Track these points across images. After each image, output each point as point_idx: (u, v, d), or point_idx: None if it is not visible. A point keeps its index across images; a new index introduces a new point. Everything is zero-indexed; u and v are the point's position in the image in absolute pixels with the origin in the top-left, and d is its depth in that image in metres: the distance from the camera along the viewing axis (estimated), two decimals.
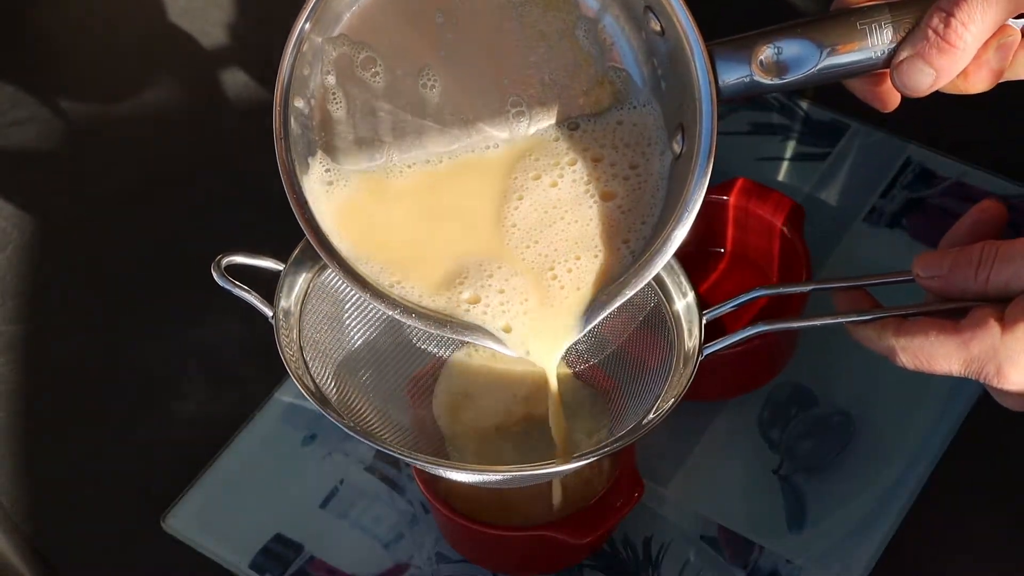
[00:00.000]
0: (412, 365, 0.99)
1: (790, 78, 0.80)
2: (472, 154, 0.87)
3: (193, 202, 1.26)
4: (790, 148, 1.22)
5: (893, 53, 0.79)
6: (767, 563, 1.02)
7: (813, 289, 0.91)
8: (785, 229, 1.09)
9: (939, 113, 1.17)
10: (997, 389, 0.81)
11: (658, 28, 0.82)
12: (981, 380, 0.80)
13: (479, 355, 0.99)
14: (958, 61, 0.78)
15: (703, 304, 0.90)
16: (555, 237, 0.86)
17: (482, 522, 0.98)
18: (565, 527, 0.97)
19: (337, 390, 0.91)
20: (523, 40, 0.85)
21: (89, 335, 1.19)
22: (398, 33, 0.84)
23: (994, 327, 0.78)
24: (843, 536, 1.03)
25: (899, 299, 0.84)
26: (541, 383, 0.90)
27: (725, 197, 1.11)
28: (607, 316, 0.92)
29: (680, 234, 0.82)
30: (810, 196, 1.19)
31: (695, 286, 0.91)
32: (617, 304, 0.85)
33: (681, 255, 0.89)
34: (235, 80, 1.33)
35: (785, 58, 0.80)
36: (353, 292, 0.92)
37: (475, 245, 0.87)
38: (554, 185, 0.87)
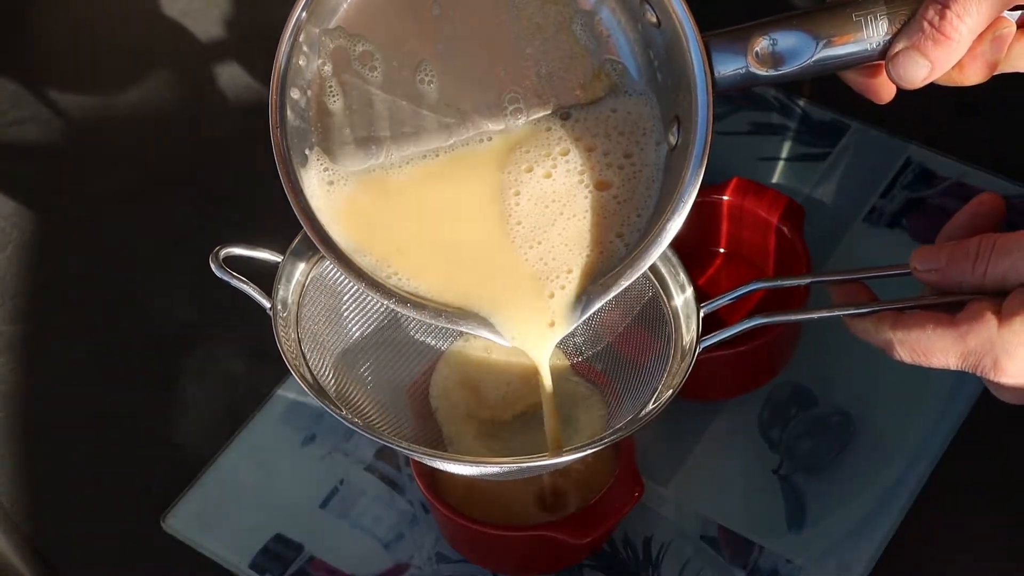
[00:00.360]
0: (410, 358, 0.99)
1: (786, 70, 0.80)
2: (468, 147, 0.87)
3: (193, 201, 1.26)
4: (790, 148, 1.23)
5: (888, 45, 0.79)
6: (767, 563, 1.02)
7: (811, 282, 0.90)
8: (784, 228, 1.09)
9: (939, 113, 1.18)
10: (994, 382, 0.81)
11: (654, 20, 0.82)
12: (978, 373, 0.80)
13: (476, 347, 1.00)
14: (953, 53, 0.78)
15: (701, 299, 0.90)
16: (555, 232, 0.86)
17: (482, 522, 0.98)
18: (565, 527, 0.97)
19: (335, 382, 0.91)
20: (520, 32, 0.85)
21: (89, 335, 1.19)
22: (394, 25, 0.84)
23: (991, 320, 0.78)
24: (843, 536, 1.03)
25: (897, 293, 0.84)
26: (537, 373, 0.90)
27: (721, 196, 1.11)
28: (605, 309, 0.92)
29: (675, 225, 0.82)
30: (810, 196, 1.19)
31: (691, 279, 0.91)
32: (611, 295, 0.85)
33: (679, 255, 0.90)
34: (235, 80, 1.34)
35: (781, 50, 0.80)
36: (351, 284, 0.92)
37: (478, 242, 0.87)
38: (548, 176, 0.87)
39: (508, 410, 0.99)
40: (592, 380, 0.98)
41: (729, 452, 1.07)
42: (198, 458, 1.09)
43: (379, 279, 0.85)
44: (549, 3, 0.84)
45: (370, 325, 0.96)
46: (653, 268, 0.91)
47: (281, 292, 0.90)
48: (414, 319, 0.94)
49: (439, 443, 0.97)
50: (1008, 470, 1.06)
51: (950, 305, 0.82)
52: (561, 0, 0.85)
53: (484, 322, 0.86)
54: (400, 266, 0.86)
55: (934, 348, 0.81)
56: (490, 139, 0.87)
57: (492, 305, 0.86)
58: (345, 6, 0.83)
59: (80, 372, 1.17)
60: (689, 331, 0.90)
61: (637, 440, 1.01)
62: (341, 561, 1.04)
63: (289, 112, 0.83)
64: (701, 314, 0.89)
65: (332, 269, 0.91)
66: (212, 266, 0.88)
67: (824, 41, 0.80)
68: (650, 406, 0.88)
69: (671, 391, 0.87)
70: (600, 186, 0.86)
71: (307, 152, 0.85)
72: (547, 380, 0.89)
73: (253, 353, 1.14)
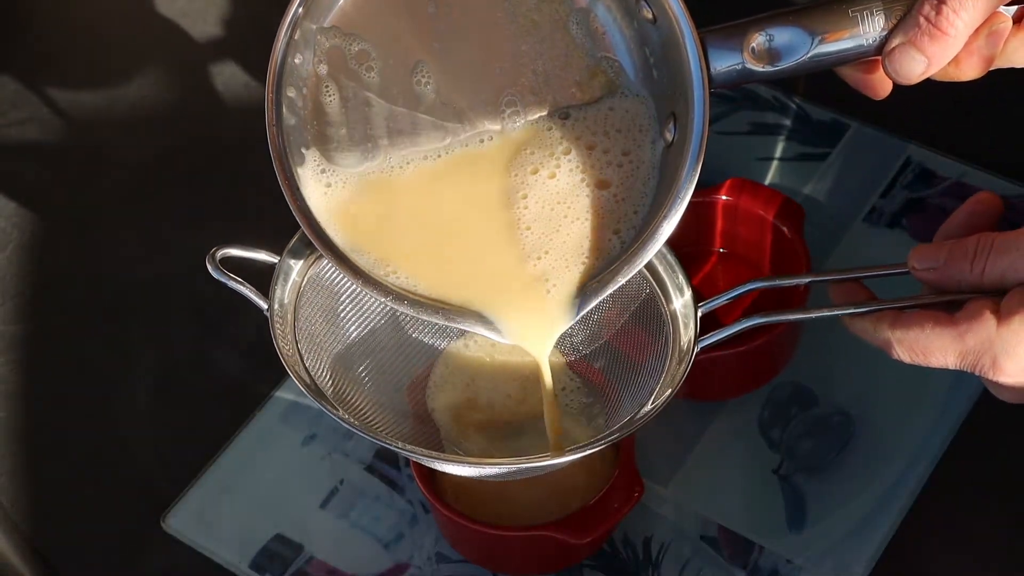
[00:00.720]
0: (408, 358, 0.99)
1: (782, 66, 0.80)
2: (467, 148, 0.87)
3: (193, 202, 1.26)
4: (790, 148, 1.22)
5: (885, 41, 0.79)
6: (767, 563, 1.02)
7: (809, 282, 0.90)
8: (783, 228, 1.09)
9: (939, 113, 1.18)
10: (993, 382, 0.81)
11: (650, 16, 0.82)
12: (977, 373, 0.80)
13: (475, 347, 1.00)
14: (949, 48, 0.78)
15: (698, 299, 0.90)
16: (554, 229, 0.86)
17: (482, 522, 0.98)
18: (565, 527, 0.97)
19: (333, 383, 0.91)
20: (516, 30, 0.85)
21: (89, 335, 1.19)
22: (391, 24, 0.84)
23: (990, 319, 0.78)
24: (843, 536, 1.03)
25: (896, 292, 0.84)
26: (536, 373, 0.90)
27: (717, 195, 1.11)
28: (604, 309, 0.92)
29: (672, 221, 0.82)
30: (810, 196, 1.19)
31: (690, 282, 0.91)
32: (609, 291, 0.85)
33: (676, 255, 0.89)
34: (235, 80, 1.34)
35: (777, 46, 0.80)
36: (348, 284, 0.92)
37: (475, 240, 0.87)
38: (552, 177, 0.87)
39: (507, 410, 0.99)
40: (591, 381, 0.98)
41: (729, 452, 1.07)
42: (198, 458, 1.09)
43: (377, 277, 0.85)
44: (545, 1, 0.84)
45: (368, 325, 0.96)
46: (652, 269, 0.91)
47: (278, 293, 0.90)
48: (412, 317, 0.94)
49: (438, 443, 0.97)
50: (1008, 470, 1.05)
51: (949, 304, 0.82)
52: None
53: (483, 319, 0.86)
54: (398, 264, 0.86)
55: (933, 347, 0.81)
56: (490, 139, 0.87)
57: (491, 302, 0.86)
58: (341, 3, 0.83)
59: (80, 372, 1.17)
60: (687, 331, 0.89)
61: (637, 440, 1.01)
62: (341, 561, 1.04)
63: (286, 111, 0.83)
64: (699, 314, 0.89)
65: (329, 269, 0.91)
66: (209, 267, 0.88)
67: (820, 37, 0.80)
68: (649, 406, 0.88)
69: (670, 391, 0.87)
70: (600, 185, 0.86)
71: (304, 151, 0.85)
72: (547, 377, 0.89)
73: (253, 353, 1.14)
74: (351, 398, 0.92)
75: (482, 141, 0.87)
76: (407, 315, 0.92)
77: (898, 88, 0.82)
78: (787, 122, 1.24)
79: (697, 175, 0.81)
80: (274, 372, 1.11)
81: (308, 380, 0.88)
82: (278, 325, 0.89)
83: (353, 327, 0.95)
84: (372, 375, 0.95)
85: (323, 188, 0.85)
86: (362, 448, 1.09)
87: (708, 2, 0.87)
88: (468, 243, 0.86)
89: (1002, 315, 0.78)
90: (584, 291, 0.85)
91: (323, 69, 0.84)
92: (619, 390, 0.94)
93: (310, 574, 1.04)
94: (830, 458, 1.06)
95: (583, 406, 0.97)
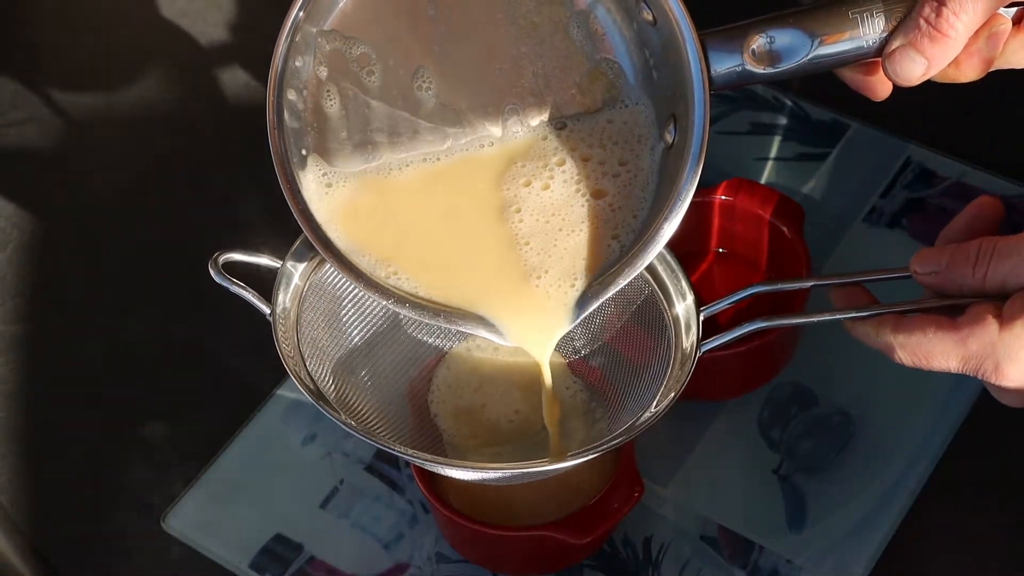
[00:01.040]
0: (410, 362, 0.99)
1: (782, 67, 0.80)
2: (467, 152, 0.87)
3: (192, 202, 1.26)
4: (790, 148, 1.22)
5: (885, 42, 0.79)
6: (767, 563, 1.02)
7: (811, 286, 0.90)
8: (783, 228, 1.09)
9: (939, 113, 1.18)
10: (995, 386, 0.81)
11: (650, 18, 0.82)
12: (979, 377, 0.80)
13: (477, 351, 1.00)
14: (949, 50, 0.78)
15: (700, 302, 0.90)
16: (554, 230, 0.86)
17: (482, 522, 0.98)
18: (565, 527, 0.97)
19: (335, 387, 0.91)
20: (516, 33, 0.85)
21: (89, 335, 1.19)
22: (391, 27, 0.84)
23: (992, 324, 0.78)
24: (843, 536, 1.03)
25: (897, 296, 0.84)
26: (538, 378, 0.90)
27: (713, 195, 1.11)
28: (605, 313, 0.92)
29: (673, 224, 0.82)
30: (810, 196, 1.19)
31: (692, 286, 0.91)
32: (610, 293, 0.85)
33: (676, 256, 0.89)
34: (235, 80, 1.34)
35: (777, 47, 0.80)
36: (350, 289, 0.92)
37: (477, 242, 0.87)
38: (546, 188, 0.87)
39: (509, 413, 0.99)
40: (593, 384, 0.98)
41: (729, 452, 1.07)
42: (198, 458, 1.09)
43: (378, 279, 0.85)
44: (545, 3, 0.84)
45: (370, 329, 0.96)
46: (654, 274, 0.91)
47: (280, 297, 0.89)
48: (413, 320, 0.94)
49: (439, 446, 0.97)
50: (1008, 470, 1.05)
51: (951, 308, 0.81)
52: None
53: (484, 322, 0.86)
54: (400, 267, 0.86)
55: (935, 352, 0.80)
56: (491, 144, 0.87)
57: (492, 304, 0.86)
58: (341, 5, 0.83)
59: (80, 372, 1.17)
60: (689, 335, 0.89)
61: (637, 441, 1.00)
62: (341, 561, 1.04)
63: (286, 114, 0.83)
64: (701, 318, 0.89)
65: (331, 274, 0.91)
66: (212, 272, 0.88)
67: (820, 38, 0.80)
68: (651, 410, 0.87)
69: (672, 395, 0.87)
70: (597, 195, 0.86)
71: (305, 153, 0.85)
72: (548, 379, 0.89)
73: (253, 353, 1.14)
74: (354, 402, 0.92)
75: (482, 146, 0.87)
76: (409, 318, 0.92)
77: (898, 89, 0.82)
78: (787, 122, 1.24)
79: (698, 177, 0.81)
80: (274, 373, 1.11)
81: (311, 384, 0.88)
82: (281, 330, 0.89)
83: (355, 331, 0.95)
84: (374, 379, 0.95)
85: (324, 189, 0.85)
86: (362, 448, 1.09)
87: (708, 4, 0.87)
88: (469, 245, 0.86)
89: (1004, 319, 0.78)
90: (585, 293, 0.85)
91: (324, 72, 0.84)
92: (621, 393, 0.94)
93: (310, 574, 1.04)
94: (830, 458, 1.06)
95: (585, 409, 0.97)
